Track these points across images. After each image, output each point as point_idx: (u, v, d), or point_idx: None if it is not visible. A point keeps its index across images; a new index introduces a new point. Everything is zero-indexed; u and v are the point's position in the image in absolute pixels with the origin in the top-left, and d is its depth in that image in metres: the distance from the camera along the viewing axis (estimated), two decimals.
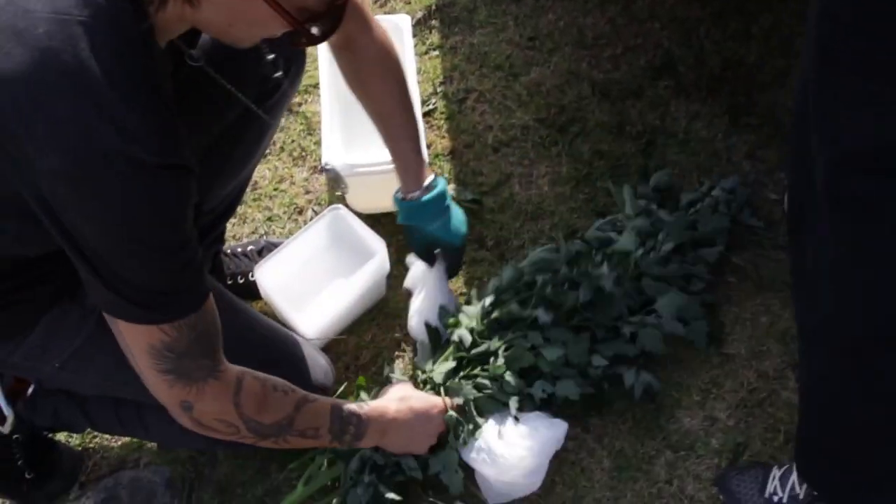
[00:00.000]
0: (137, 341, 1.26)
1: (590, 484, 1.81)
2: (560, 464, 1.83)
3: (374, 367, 1.98)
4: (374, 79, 1.70)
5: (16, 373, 1.68)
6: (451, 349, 1.83)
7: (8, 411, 1.72)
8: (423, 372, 1.83)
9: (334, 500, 1.74)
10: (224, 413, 1.39)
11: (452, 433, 1.73)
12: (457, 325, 1.84)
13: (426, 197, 1.74)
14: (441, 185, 1.76)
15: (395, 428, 1.66)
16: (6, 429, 1.74)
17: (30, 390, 1.77)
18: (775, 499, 1.70)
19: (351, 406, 1.60)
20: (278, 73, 1.69)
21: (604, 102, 2.33)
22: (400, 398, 1.70)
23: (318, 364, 1.80)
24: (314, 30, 1.21)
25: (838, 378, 1.46)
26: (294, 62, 1.76)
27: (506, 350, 1.80)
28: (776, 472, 1.71)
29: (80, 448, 1.95)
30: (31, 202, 1.15)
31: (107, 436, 1.94)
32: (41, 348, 1.53)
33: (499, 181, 2.22)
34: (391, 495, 1.71)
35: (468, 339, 1.82)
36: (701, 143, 2.25)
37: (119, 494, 1.85)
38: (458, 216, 1.84)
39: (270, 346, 1.73)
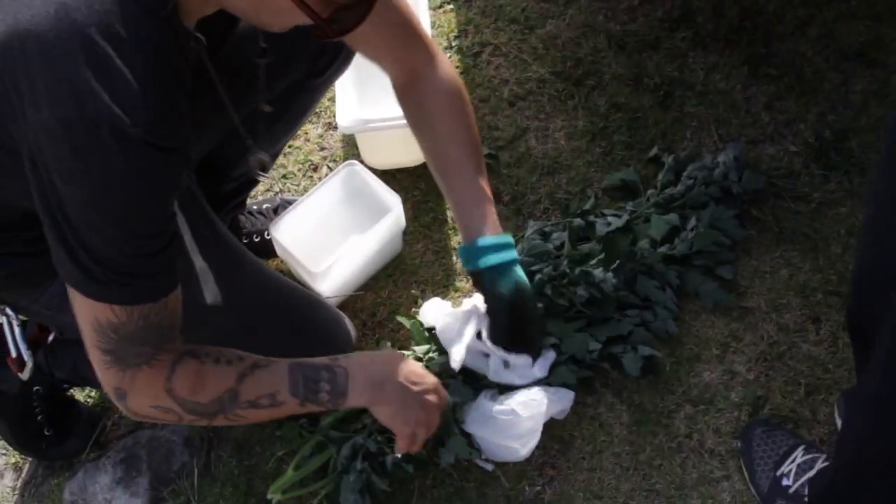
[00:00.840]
0: (85, 313, 1.23)
1: (609, 439, 1.80)
2: (579, 419, 1.82)
3: (391, 324, 1.97)
4: (440, 115, 1.60)
5: (38, 320, 1.68)
6: None
7: (28, 357, 1.72)
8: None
9: (323, 489, 1.73)
10: (157, 399, 1.32)
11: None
12: None
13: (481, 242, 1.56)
14: (503, 240, 1.57)
15: (388, 382, 1.47)
16: (25, 375, 1.75)
17: (50, 338, 1.78)
18: (784, 482, 1.67)
19: (321, 361, 1.43)
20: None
21: (620, 55, 2.29)
22: (394, 356, 1.53)
23: (341, 326, 1.79)
24: (337, 24, 1.17)
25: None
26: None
27: None
28: (798, 454, 1.68)
29: (98, 408, 1.95)
30: (24, 156, 1.14)
31: None
32: (61, 297, 1.51)
33: (514, 135, 2.19)
34: (381, 484, 1.70)
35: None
36: (719, 95, 2.22)
37: (138, 453, 1.86)
38: (513, 277, 1.58)
39: (294, 310, 1.72)
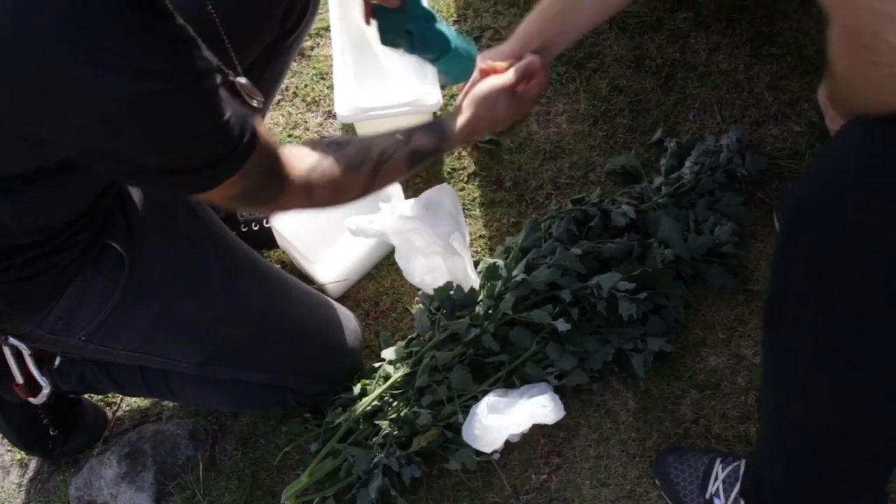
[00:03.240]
0: (218, 198, 1.27)
1: (615, 426, 1.79)
2: (584, 406, 1.81)
3: (394, 314, 1.96)
4: None
5: (41, 346, 1.64)
6: (459, 346, 1.80)
7: (44, 383, 1.69)
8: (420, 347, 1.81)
9: (333, 495, 1.73)
10: (305, 207, 1.43)
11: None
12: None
13: None
14: None
15: (482, 125, 1.59)
16: (38, 400, 1.70)
17: (56, 361, 1.75)
18: (717, 502, 1.64)
19: (427, 145, 1.53)
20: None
21: (621, 37, 2.27)
22: (476, 101, 1.59)
23: (350, 328, 1.79)
24: None
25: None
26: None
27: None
28: (718, 470, 1.65)
29: (102, 404, 1.95)
30: (75, 155, 1.16)
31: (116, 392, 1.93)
32: (66, 321, 1.50)
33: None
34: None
35: (476, 334, 1.79)
36: (722, 76, 2.19)
37: (143, 448, 1.85)
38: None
39: (306, 315, 1.72)
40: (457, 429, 1.71)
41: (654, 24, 2.28)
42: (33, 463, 1.92)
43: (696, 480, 1.66)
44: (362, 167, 1.43)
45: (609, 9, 1.70)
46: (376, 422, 1.74)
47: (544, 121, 2.17)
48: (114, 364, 1.75)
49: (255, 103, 1.44)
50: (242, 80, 1.44)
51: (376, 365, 1.83)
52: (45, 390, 1.68)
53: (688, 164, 1.98)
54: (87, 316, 1.50)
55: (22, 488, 1.90)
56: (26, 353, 1.63)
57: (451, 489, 1.75)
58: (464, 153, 2.13)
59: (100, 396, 1.95)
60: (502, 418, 1.66)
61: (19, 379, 1.67)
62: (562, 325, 1.74)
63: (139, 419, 1.92)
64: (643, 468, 1.75)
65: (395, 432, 1.71)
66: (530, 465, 1.77)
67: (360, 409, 1.74)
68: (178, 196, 1.47)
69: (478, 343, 1.77)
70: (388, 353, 1.83)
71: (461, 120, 1.56)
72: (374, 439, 1.72)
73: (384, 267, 2.02)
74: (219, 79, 1.16)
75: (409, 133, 1.51)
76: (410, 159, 1.49)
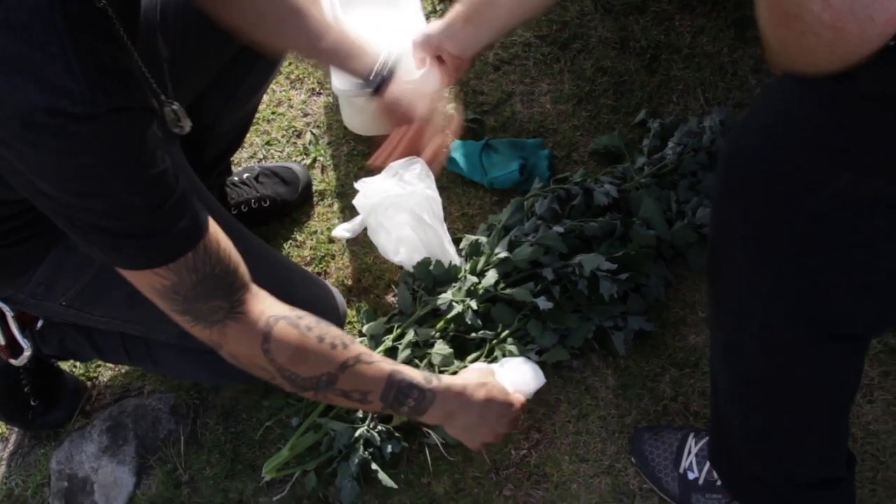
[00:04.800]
0: (141, 285, 1.22)
1: (594, 402, 1.80)
2: (564, 383, 1.82)
3: (376, 290, 1.97)
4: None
5: (23, 309, 1.65)
6: (441, 322, 1.80)
7: (26, 345, 1.69)
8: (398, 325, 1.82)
9: (314, 468, 1.74)
10: (254, 357, 1.30)
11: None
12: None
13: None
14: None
15: (466, 412, 1.49)
16: (19, 362, 1.71)
17: (39, 324, 1.75)
18: (690, 476, 1.65)
19: (415, 377, 1.42)
20: None
21: (606, 18, 2.28)
22: (479, 383, 1.51)
23: (332, 302, 1.77)
24: None
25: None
26: None
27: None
28: (692, 444, 1.66)
29: (83, 377, 1.95)
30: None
31: (110, 365, 1.94)
32: (46, 286, 1.52)
33: (500, 100, 2.18)
34: (388, 481, 1.69)
35: (458, 310, 1.79)
36: (706, 58, 2.20)
37: (124, 422, 1.86)
38: None
39: (288, 285, 1.67)
40: None
41: (640, 5, 2.29)
42: (14, 437, 1.92)
43: (669, 456, 1.67)
44: (337, 350, 1.34)
45: (524, 10, 1.71)
46: None
47: (528, 100, 2.18)
48: (95, 329, 1.75)
49: (178, 129, 1.39)
50: (174, 105, 1.38)
51: (358, 341, 1.83)
52: (27, 352, 1.69)
53: (670, 144, 1.99)
54: (67, 282, 1.52)
55: (2, 462, 1.90)
56: (9, 314, 1.65)
57: (431, 463, 1.76)
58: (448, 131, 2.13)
59: (81, 370, 1.95)
60: None
61: (1, 340, 1.69)
62: (543, 303, 1.75)
63: (120, 393, 1.92)
64: (622, 444, 1.76)
65: None
66: (510, 441, 1.78)
67: None
68: (99, 256, 1.22)
69: (459, 319, 1.78)
70: (370, 329, 1.83)
71: (451, 390, 1.47)
72: (354, 413, 1.73)
73: (366, 244, 2.02)
74: (153, 125, 1.14)
75: (396, 364, 1.44)
76: (389, 378, 1.39)
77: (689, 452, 1.65)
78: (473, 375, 1.54)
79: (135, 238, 1.15)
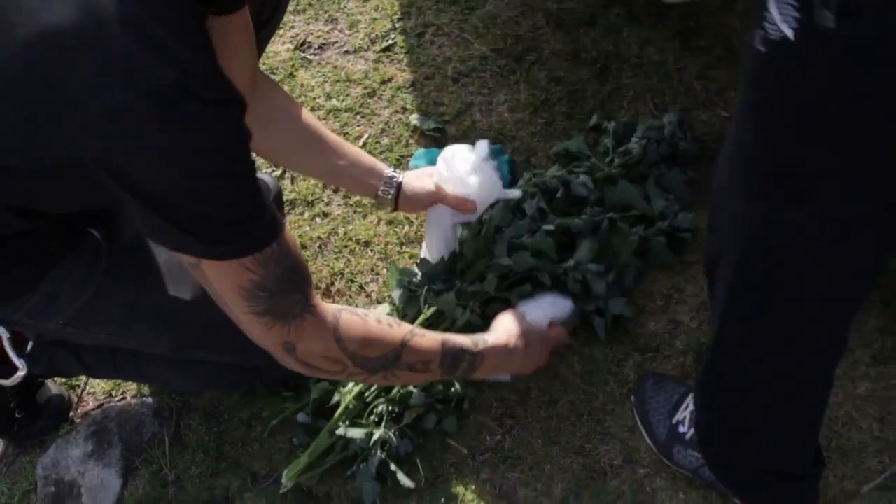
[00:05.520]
0: (228, 287, 1.25)
1: (563, 388, 1.89)
2: (534, 371, 1.91)
3: (349, 293, 2.05)
4: (294, 106, 1.77)
5: (17, 328, 1.68)
6: (444, 323, 1.88)
7: (21, 365, 1.70)
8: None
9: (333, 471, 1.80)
10: (328, 350, 1.37)
11: None
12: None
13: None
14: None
15: (511, 363, 1.69)
16: (11, 383, 1.72)
17: (29, 346, 1.75)
18: (680, 429, 1.74)
19: (464, 342, 1.58)
20: None
21: (558, 32, 2.40)
22: (518, 334, 1.69)
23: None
24: None
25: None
26: None
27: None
28: (690, 402, 1.75)
29: (65, 386, 1.99)
30: (84, 159, 1.13)
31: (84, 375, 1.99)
32: (45, 306, 1.55)
33: (460, 110, 2.28)
34: (406, 481, 1.76)
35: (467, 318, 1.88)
36: (653, 67, 2.33)
37: (108, 426, 1.91)
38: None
39: None
40: (444, 401, 1.83)
41: (589, 19, 2.41)
42: None
43: (667, 405, 1.77)
44: (394, 328, 1.46)
45: None
46: (367, 399, 1.82)
47: (486, 110, 2.28)
48: (84, 348, 1.79)
49: None
50: None
51: None
52: (21, 372, 1.70)
53: (634, 139, 2.09)
54: (65, 302, 1.56)
55: None
56: (4, 336, 1.67)
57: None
58: (411, 140, 2.23)
59: (63, 380, 1.99)
60: None
61: None
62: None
63: (103, 399, 1.97)
64: (591, 426, 1.85)
65: (390, 408, 1.80)
66: (485, 428, 1.86)
67: (352, 388, 1.82)
68: (178, 248, 1.23)
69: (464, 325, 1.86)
70: None
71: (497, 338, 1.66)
72: (369, 418, 1.80)
73: (337, 249, 2.10)
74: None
75: (444, 333, 1.59)
76: (443, 346, 1.53)
77: (686, 408, 1.74)
78: (511, 327, 1.70)
79: (230, 226, 1.19)
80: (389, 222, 2.12)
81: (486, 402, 1.89)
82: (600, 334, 1.89)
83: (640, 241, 1.97)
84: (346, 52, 2.41)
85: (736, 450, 1.58)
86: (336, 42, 2.44)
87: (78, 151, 1.13)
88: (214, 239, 1.19)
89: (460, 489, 1.80)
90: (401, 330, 1.48)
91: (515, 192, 1.95)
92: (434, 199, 1.87)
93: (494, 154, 2.11)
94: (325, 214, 2.15)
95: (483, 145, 1.92)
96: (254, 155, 1.24)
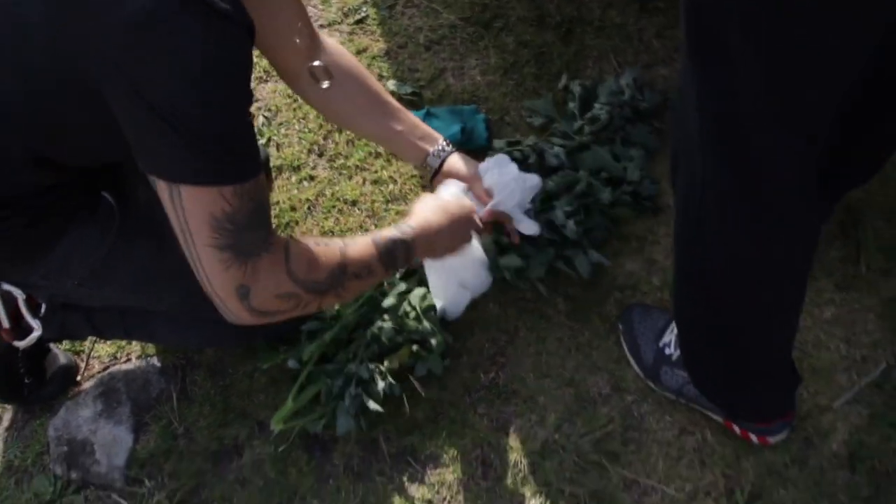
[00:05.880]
0: (200, 215, 1.28)
1: (549, 326, 2.00)
2: (520, 312, 2.02)
3: None
4: (357, 67, 1.83)
5: (32, 292, 1.74)
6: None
7: (37, 325, 1.76)
8: None
9: (321, 417, 1.87)
10: (280, 285, 1.40)
11: None
12: None
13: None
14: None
15: (440, 238, 1.71)
16: (24, 344, 1.80)
17: (42, 309, 1.82)
18: (667, 351, 1.86)
19: (391, 233, 1.60)
20: None
21: None
22: (435, 208, 1.74)
23: None
24: None
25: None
26: None
27: None
28: (674, 326, 1.85)
29: (71, 351, 2.06)
30: (98, 75, 1.20)
31: (95, 337, 2.06)
32: (61, 266, 1.62)
33: (434, 75, 2.38)
34: (374, 406, 1.84)
35: None
36: (615, 28, 2.45)
37: (116, 386, 1.98)
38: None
39: None
40: (423, 342, 1.90)
41: None
42: (7, 414, 2.02)
43: (654, 330, 1.89)
44: (329, 246, 1.49)
45: None
46: (348, 347, 1.91)
47: (459, 74, 2.39)
48: (94, 310, 1.87)
49: None
50: None
51: None
52: (37, 332, 1.76)
53: (597, 106, 2.21)
54: (81, 261, 1.62)
55: None
56: (21, 298, 1.73)
57: (406, 400, 1.91)
58: None
59: (67, 345, 2.06)
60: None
61: (6, 324, 1.77)
62: (514, 261, 1.98)
63: (109, 363, 2.05)
64: (579, 359, 1.96)
65: (364, 347, 1.88)
66: (479, 367, 1.96)
67: (332, 334, 1.90)
68: (169, 174, 1.28)
69: None
70: None
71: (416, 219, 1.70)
72: (346, 355, 1.89)
73: (325, 209, 2.19)
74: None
75: (371, 232, 1.64)
76: (375, 243, 1.56)
77: (672, 331, 1.86)
78: (429, 204, 1.75)
79: (222, 149, 1.26)
80: (375, 182, 2.22)
81: (477, 343, 1.99)
82: (584, 272, 1.99)
83: (609, 204, 2.09)
84: (322, 26, 2.51)
85: (717, 360, 1.70)
86: (311, 17, 2.51)
87: (97, 65, 1.19)
88: (205, 161, 1.25)
89: (459, 424, 1.90)
90: (334, 245, 1.50)
91: (532, 227, 1.95)
92: (467, 180, 1.91)
93: (471, 114, 2.22)
94: (312, 178, 2.24)
95: (534, 179, 1.96)
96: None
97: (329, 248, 1.49)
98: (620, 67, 2.37)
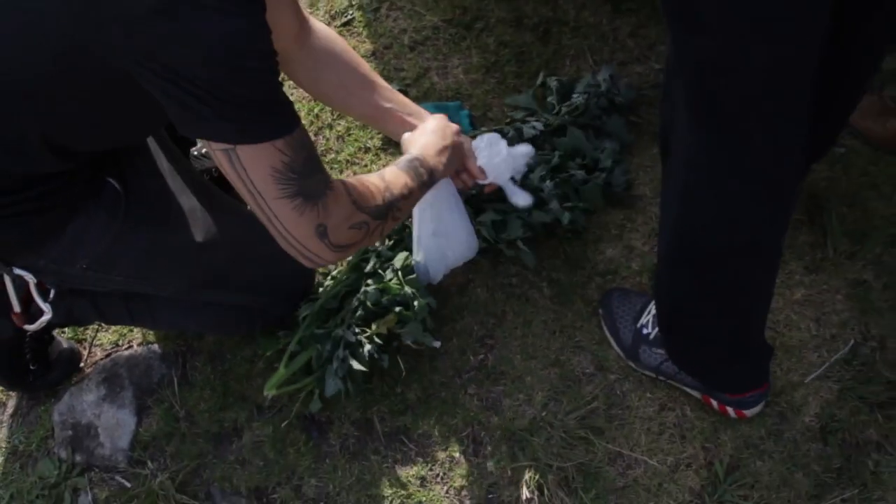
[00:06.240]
0: (262, 170, 1.36)
1: (535, 310, 2.10)
2: (507, 297, 2.11)
3: None
4: (344, 46, 1.90)
5: (41, 276, 1.79)
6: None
7: (48, 309, 1.81)
8: None
9: (311, 384, 1.95)
10: (351, 216, 1.50)
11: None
12: None
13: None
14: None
15: (444, 153, 1.80)
16: (35, 327, 1.85)
17: (51, 294, 1.85)
18: (644, 331, 1.96)
19: (405, 157, 1.73)
20: None
21: (501, 2, 2.61)
22: (422, 130, 1.84)
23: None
24: None
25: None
26: None
27: None
28: (652, 308, 1.96)
29: (74, 339, 2.13)
30: (130, 62, 1.28)
31: (95, 325, 2.13)
32: (70, 250, 1.69)
33: (419, 74, 2.48)
34: (360, 367, 1.91)
35: None
36: (590, 28, 2.55)
37: (118, 372, 2.05)
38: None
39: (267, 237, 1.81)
40: (407, 305, 1.97)
41: None
42: (11, 401, 2.09)
43: (632, 312, 1.99)
44: (371, 177, 1.61)
45: None
46: (338, 315, 1.99)
47: (443, 73, 2.48)
48: (100, 296, 1.94)
49: None
50: None
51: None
52: (47, 316, 1.82)
53: (575, 95, 2.31)
54: (89, 245, 1.70)
55: (4, 424, 2.06)
56: (32, 282, 1.78)
57: (407, 371, 2.00)
58: None
59: (70, 333, 2.13)
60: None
61: (17, 308, 1.83)
62: (490, 216, 2.08)
63: (111, 350, 2.12)
64: (563, 341, 2.05)
65: (352, 313, 1.96)
66: (468, 349, 2.06)
67: (320, 303, 1.98)
68: (224, 139, 1.35)
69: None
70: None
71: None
72: (335, 322, 1.97)
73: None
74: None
75: (401, 162, 1.72)
76: (402, 166, 1.69)
77: (649, 312, 1.96)
78: (429, 125, 1.86)
79: (265, 105, 1.34)
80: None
81: (467, 327, 2.08)
82: (563, 220, 2.08)
83: (582, 181, 2.18)
84: None
85: (694, 333, 1.80)
86: None
87: (123, 53, 1.27)
88: (251, 120, 1.33)
89: (450, 404, 1.99)
90: (374, 176, 1.62)
91: (525, 198, 2.05)
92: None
93: (455, 110, 2.31)
94: None
95: (525, 148, 2.06)
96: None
97: (371, 179, 1.60)
98: (597, 65, 2.47)
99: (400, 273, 1.97)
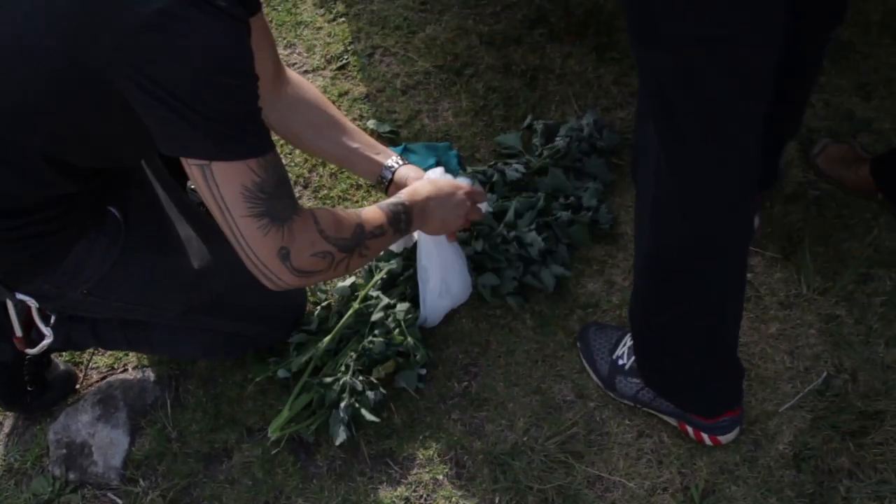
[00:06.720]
0: (233, 188, 1.41)
1: (518, 339, 2.17)
2: (491, 327, 2.19)
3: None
4: (315, 93, 1.98)
5: (42, 302, 1.83)
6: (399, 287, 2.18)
7: (49, 332, 1.87)
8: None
9: (313, 423, 2.01)
10: (315, 243, 1.55)
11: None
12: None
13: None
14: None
15: (432, 206, 1.87)
16: (35, 351, 1.91)
17: (52, 319, 1.91)
18: (619, 362, 2.03)
19: (393, 200, 1.80)
20: None
21: (490, 49, 2.73)
22: (425, 182, 1.92)
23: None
24: None
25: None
26: None
27: None
28: (627, 340, 2.04)
29: (71, 363, 2.19)
30: (115, 75, 1.34)
31: (91, 349, 2.19)
32: (72, 275, 1.75)
33: (410, 116, 2.58)
34: (373, 417, 1.99)
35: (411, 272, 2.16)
36: (575, 76, 2.67)
37: (113, 394, 2.11)
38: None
39: None
40: (407, 355, 2.07)
41: (517, 38, 2.75)
42: (8, 421, 2.14)
43: (607, 345, 2.06)
44: (346, 210, 1.69)
45: None
46: (338, 358, 2.06)
47: (434, 115, 2.59)
48: (98, 322, 2.00)
49: None
50: None
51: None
52: (48, 340, 1.88)
53: (558, 138, 2.42)
54: (90, 271, 1.76)
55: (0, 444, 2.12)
56: (34, 307, 1.83)
57: (390, 399, 2.07)
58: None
59: (67, 356, 2.19)
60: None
61: (19, 332, 1.88)
62: (492, 280, 2.17)
63: (106, 373, 2.18)
64: (545, 370, 2.12)
65: (355, 360, 2.03)
66: (453, 376, 2.12)
67: (324, 346, 2.06)
68: (199, 155, 1.41)
69: (413, 281, 2.13)
70: (340, 291, 2.17)
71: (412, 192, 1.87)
72: (338, 367, 2.04)
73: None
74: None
75: (386, 205, 1.79)
76: (383, 209, 1.76)
77: (624, 345, 2.03)
78: (421, 181, 1.93)
79: (242, 124, 1.41)
80: None
81: (451, 355, 2.15)
82: (549, 286, 2.18)
83: (568, 222, 2.27)
84: (306, 72, 2.70)
85: (668, 356, 1.88)
86: (296, 63, 2.73)
87: (114, 67, 1.34)
88: (230, 137, 1.39)
89: (435, 429, 2.06)
90: (350, 211, 1.68)
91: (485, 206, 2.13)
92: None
93: (444, 150, 2.41)
94: None
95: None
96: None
97: (346, 212, 1.67)
98: (581, 111, 2.58)
99: (403, 325, 2.06)
